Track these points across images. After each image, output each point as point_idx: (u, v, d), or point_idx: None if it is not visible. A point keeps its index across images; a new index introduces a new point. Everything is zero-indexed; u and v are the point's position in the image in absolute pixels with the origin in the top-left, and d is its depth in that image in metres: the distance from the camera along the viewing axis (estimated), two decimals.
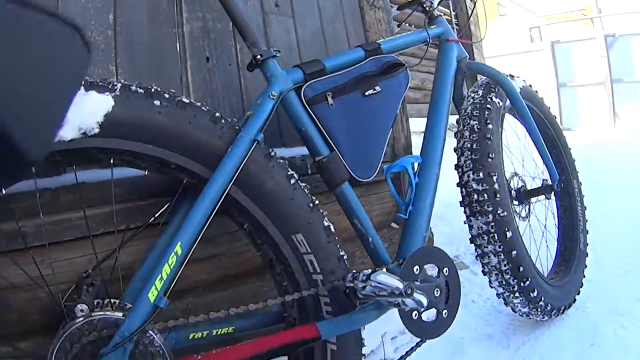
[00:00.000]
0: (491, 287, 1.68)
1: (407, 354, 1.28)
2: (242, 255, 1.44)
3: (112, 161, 1.06)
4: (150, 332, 1.03)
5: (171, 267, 1.00)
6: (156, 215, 1.27)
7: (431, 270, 1.30)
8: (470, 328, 1.76)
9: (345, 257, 1.21)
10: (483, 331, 1.76)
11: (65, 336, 1.00)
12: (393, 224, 1.89)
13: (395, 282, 1.07)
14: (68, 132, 0.95)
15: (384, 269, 1.09)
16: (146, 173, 1.19)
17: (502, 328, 1.78)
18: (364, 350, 1.26)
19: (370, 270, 1.09)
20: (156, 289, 0.98)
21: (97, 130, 0.97)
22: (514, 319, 1.84)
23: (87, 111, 0.97)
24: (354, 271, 1.12)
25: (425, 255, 1.29)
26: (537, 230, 2.04)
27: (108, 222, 1.25)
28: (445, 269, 1.32)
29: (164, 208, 1.26)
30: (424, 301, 1.13)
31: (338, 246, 1.20)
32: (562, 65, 9.57)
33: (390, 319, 1.62)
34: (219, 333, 1.19)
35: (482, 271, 1.65)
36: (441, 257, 1.32)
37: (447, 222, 2.71)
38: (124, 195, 1.27)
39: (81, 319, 1.04)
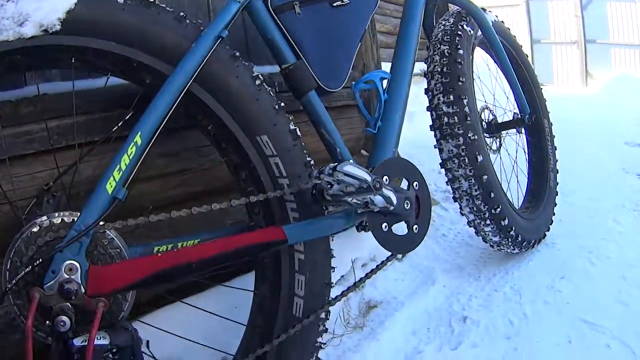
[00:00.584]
0: (462, 214, 1.68)
1: (378, 267, 1.26)
2: (209, 172, 1.39)
3: (72, 61, 1.02)
4: (109, 231, 0.98)
5: (130, 157, 0.95)
6: (116, 127, 1.22)
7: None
8: (441, 259, 1.76)
9: (312, 163, 1.18)
10: (454, 263, 1.77)
11: (21, 239, 0.96)
12: (363, 151, 1.87)
13: (363, 174, 1.04)
14: (29, 28, 0.92)
15: (351, 161, 1.06)
16: (107, 79, 1.15)
17: (473, 260, 1.79)
18: (334, 277, 1.24)
19: (336, 163, 1.06)
20: (114, 179, 0.94)
21: (58, 27, 0.94)
22: (484, 253, 1.85)
23: (48, 7, 0.94)
24: (321, 167, 1.09)
25: (394, 165, 1.27)
26: (508, 167, 2.06)
27: (69, 134, 1.20)
28: (415, 183, 1.30)
29: (125, 118, 1.22)
30: (393, 198, 1.11)
31: (304, 152, 1.17)
32: (537, 21, 9.61)
33: (361, 246, 1.62)
34: (184, 246, 1.15)
35: (453, 197, 1.65)
36: (411, 171, 1.30)
37: (418, 162, 2.72)
38: (85, 106, 1.22)
39: (37, 220, 1.00)
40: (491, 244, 1.76)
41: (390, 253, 1.28)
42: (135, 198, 1.20)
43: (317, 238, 1.15)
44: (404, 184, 1.30)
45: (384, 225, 1.22)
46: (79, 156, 1.20)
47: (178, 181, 1.33)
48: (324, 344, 1.19)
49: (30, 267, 0.94)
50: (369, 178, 1.06)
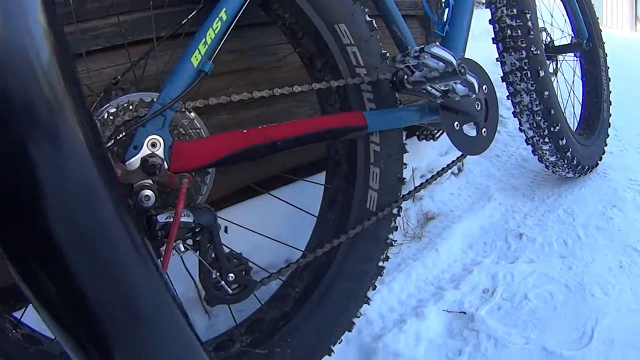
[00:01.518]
0: (521, 130, 1.68)
1: (453, 162, 1.28)
2: (274, 71, 1.40)
3: None
4: (189, 112, 1.00)
5: (215, 32, 0.96)
6: (185, 20, 1.22)
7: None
8: (496, 178, 1.78)
9: (387, 55, 1.18)
10: (508, 182, 1.78)
11: (98, 120, 0.98)
12: None
13: (449, 56, 1.04)
14: None
15: (437, 43, 1.06)
16: None
17: (527, 182, 1.80)
18: None
19: (422, 46, 1.06)
20: (199, 52, 0.94)
21: None
22: (538, 176, 1.86)
23: None
24: (405, 51, 1.09)
25: (466, 64, 1.27)
26: (563, 92, 2.05)
27: (135, 30, 1.21)
28: (485, 86, 1.30)
29: (193, 14, 1.22)
30: (476, 85, 1.11)
31: (380, 44, 1.17)
32: None
33: (420, 158, 1.64)
34: None
35: (513, 112, 1.65)
36: (481, 73, 1.30)
37: None
38: (155, 1, 1.23)
39: (114, 101, 1.01)
40: (547, 164, 1.76)
41: (460, 153, 1.30)
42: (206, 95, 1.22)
43: (392, 130, 1.16)
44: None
45: (455, 124, 1.23)
46: (149, 49, 1.21)
47: (246, 79, 1.34)
48: (395, 240, 1.22)
49: (112, 140, 0.95)
50: (454, 61, 1.06)
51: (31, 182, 0.29)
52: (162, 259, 0.93)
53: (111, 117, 0.99)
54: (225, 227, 1.09)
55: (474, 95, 1.12)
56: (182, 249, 0.94)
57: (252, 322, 1.20)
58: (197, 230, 0.95)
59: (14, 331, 1.09)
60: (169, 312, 0.37)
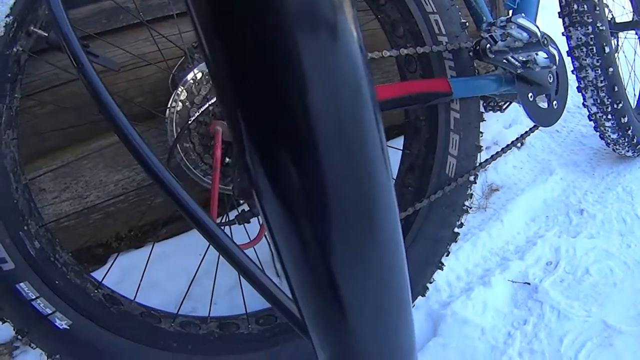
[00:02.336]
0: (584, 105, 1.70)
1: (526, 133, 1.32)
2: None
3: None
4: None
5: None
6: None
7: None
8: (557, 154, 1.80)
9: (467, 25, 1.21)
10: (569, 158, 1.81)
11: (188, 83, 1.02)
12: None
13: (534, 27, 1.08)
14: None
15: (523, 14, 1.09)
16: None
17: (587, 158, 1.82)
18: None
19: (509, 15, 1.10)
20: None
21: None
22: (597, 153, 1.88)
23: None
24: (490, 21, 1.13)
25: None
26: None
27: None
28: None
29: None
30: (556, 56, 1.14)
31: (459, 13, 1.21)
32: None
33: (486, 130, 1.67)
34: None
35: (577, 87, 1.67)
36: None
37: None
38: None
39: None
40: (608, 141, 1.78)
41: (532, 125, 1.33)
42: None
43: (471, 98, 1.20)
44: None
45: (530, 95, 1.26)
46: None
47: None
48: (470, 207, 1.27)
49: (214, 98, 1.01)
50: (539, 32, 1.09)
51: (305, 71, 0.31)
52: None
53: (205, 77, 1.05)
54: None
55: (554, 67, 1.16)
56: None
57: None
58: None
59: (95, 291, 1.17)
60: (395, 220, 0.41)
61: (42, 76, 1.24)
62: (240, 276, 0.86)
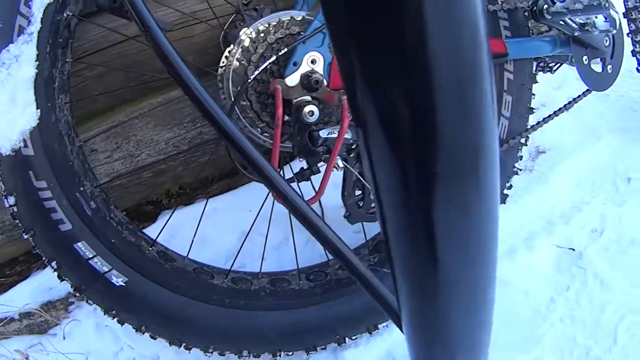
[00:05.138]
0: (638, 70, 1.72)
1: (579, 97, 1.36)
2: None
3: None
4: None
5: None
6: None
7: None
8: (605, 118, 1.83)
9: None
10: (618, 124, 1.83)
11: (247, 37, 1.06)
12: None
13: None
14: None
15: None
16: None
17: (637, 126, 1.84)
18: None
19: None
20: None
21: None
22: None
23: None
24: None
25: None
26: None
27: None
28: None
29: None
30: (617, 19, 1.17)
31: None
32: None
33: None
34: None
35: (632, 51, 1.68)
36: None
37: None
38: None
39: (263, 19, 1.10)
40: None
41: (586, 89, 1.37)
42: None
43: (524, 59, 1.24)
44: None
45: (584, 58, 1.30)
46: None
47: None
48: (520, 169, 1.32)
49: (274, 56, 1.06)
50: None
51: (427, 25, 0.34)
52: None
53: (262, 35, 1.10)
54: None
55: (614, 31, 1.19)
56: (341, 164, 1.07)
57: (379, 242, 1.34)
58: (352, 147, 1.08)
59: (150, 249, 1.27)
60: (496, 175, 0.46)
61: (90, 39, 1.31)
62: (305, 231, 0.93)
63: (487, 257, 0.50)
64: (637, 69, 1.71)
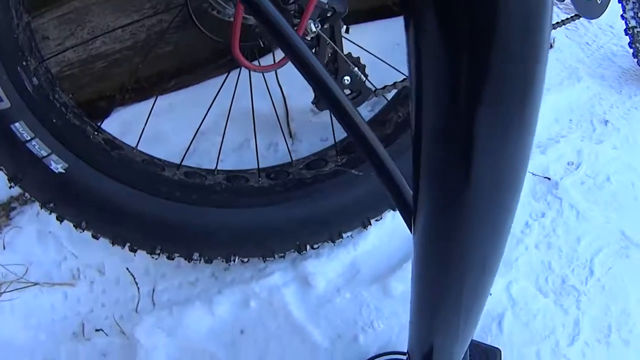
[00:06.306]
0: (623, 17, 1.69)
1: (568, 20, 1.34)
2: None
3: None
4: None
5: None
6: None
7: None
8: (585, 64, 1.81)
9: None
10: (597, 71, 1.81)
11: None
12: None
13: None
14: None
15: None
16: None
17: (615, 76, 1.83)
18: None
19: None
20: None
21: None
22: (626, 73, 1.87)
23: None
24: None
25: None
26: None
27: None
28: None
29: None
30: None
31: None
32: None
33: None
34: None
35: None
36: None
37: None
38: None
39: None
40: None
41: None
42: None
43: None
44: None
45: None
46: None
47: None
48: None
49: None
50: None
51: None
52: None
53: None
54: (347, 27, 1.12)
55: None
56: (313, 28, 0.99)
57: (348, 144, 1.26)
58: (328, 15, 1.00)
59: (95, 133, 1.17)
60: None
61: None
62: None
63: (516, 184, 0.46)
64: (621, 16, 1.70)
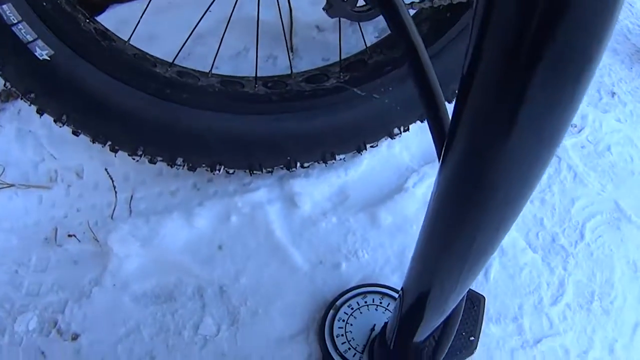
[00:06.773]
0: None
1: None
2: None
3: None
4: None
5: None
6: None
7: None
8: None
9: None
10: (610, 45, 1.66)
11: None
12: None
13: None
14: None
15: None
16: None
17: (628, 52, 1.78)
18: None
19: None
20: None
21: None
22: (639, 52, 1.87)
23: None
24: None
25: None
26: None
27: None
28: None
29: None
30: None
31: None
32: None
33: None
34: None
35: None
36: None
37: None
38: None
39: None
40: None
41: None
42: None
43: None
44: None
45: None
46: None
47: None
48: None
49: None
50: None
51: None
52: None
53: None
54: None
55: None
56: None
57: (352, 62, 1.21)
58: None
59: (87, 21, 1.10)
60: None
61: None
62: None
63: (554, 144, 0.44)
64: None
